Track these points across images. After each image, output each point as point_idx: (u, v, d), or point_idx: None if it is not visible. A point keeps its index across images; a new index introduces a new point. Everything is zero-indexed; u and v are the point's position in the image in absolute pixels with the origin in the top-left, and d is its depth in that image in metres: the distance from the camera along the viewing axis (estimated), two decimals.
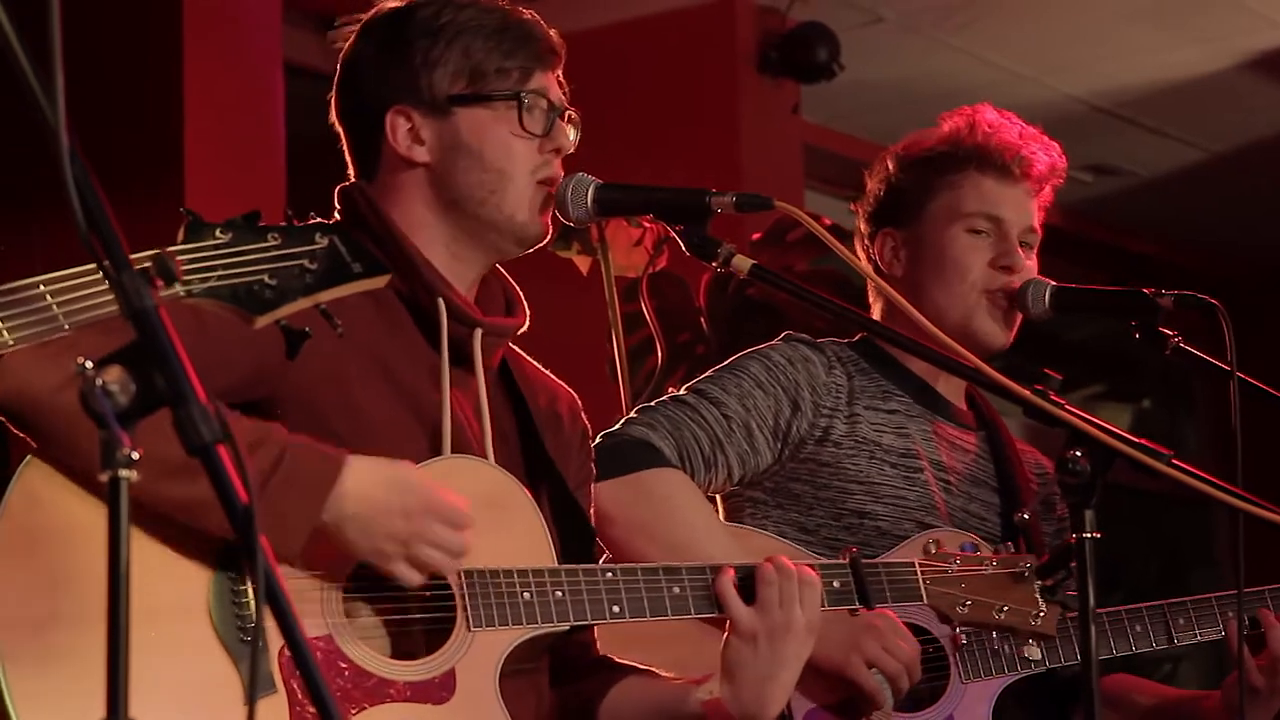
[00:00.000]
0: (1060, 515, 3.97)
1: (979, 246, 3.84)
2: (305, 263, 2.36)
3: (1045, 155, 3.89)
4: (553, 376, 3.34)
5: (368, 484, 2.79)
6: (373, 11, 3.18)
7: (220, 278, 2.29)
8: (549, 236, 3.16)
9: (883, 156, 3.97)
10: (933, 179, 3.88)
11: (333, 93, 3.20)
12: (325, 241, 2.38)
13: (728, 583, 3.10)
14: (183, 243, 2.29)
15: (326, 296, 2.38)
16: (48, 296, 2.18)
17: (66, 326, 2.18)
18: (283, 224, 2.37)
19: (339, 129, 3.21)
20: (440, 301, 3.03)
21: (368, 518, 2.79)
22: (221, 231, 2.31)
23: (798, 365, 3.75)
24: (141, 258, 2.21)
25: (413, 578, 2.84)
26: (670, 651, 3.31)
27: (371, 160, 3.14)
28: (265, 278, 2.32)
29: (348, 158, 3.20)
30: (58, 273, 2.20)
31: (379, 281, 2.43)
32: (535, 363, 3.32)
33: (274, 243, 2.34)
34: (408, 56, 3.09)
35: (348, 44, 3.19)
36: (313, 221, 3.09)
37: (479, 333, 3.07)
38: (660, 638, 3.31)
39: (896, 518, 3.72)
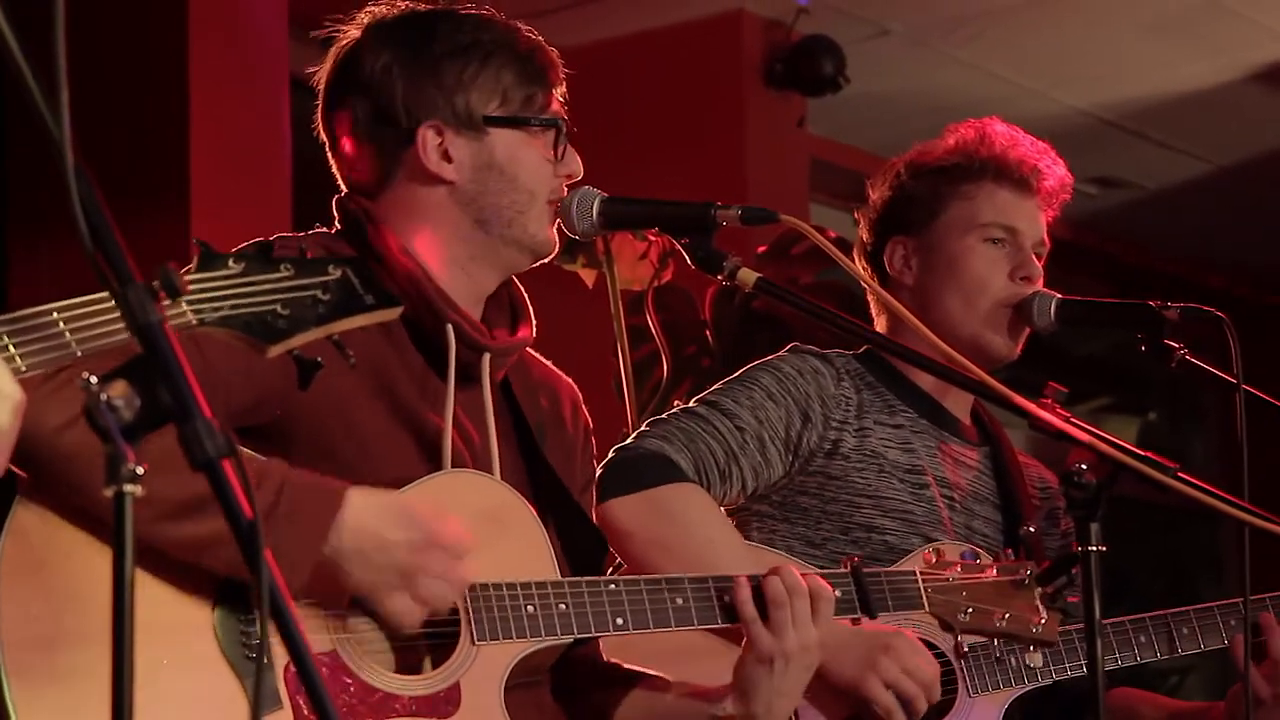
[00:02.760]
0: (1065, 529, 3.96)
1: (997, 258, 3.83)
2: (318, 293, 2.38)
3: (1057, 171, 3.90)
4: (552, 368, 3.33)
5: (368, 517, 2.78)
6: (374, 16, 3.12)
7: (233, 307, 2.31)
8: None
9: (891, 165, 3.96)
10: (946, 188, 3.87)
11: (326, 95, 3.12)
12: (338, 273, 2.40)
13: (748, 601, 3.08)
14: (195, 273, 2.31)
15: (339, 327, 2.41)
16: (61, 324, 2.19)
17: (79, 353, 2.19)
18: (294, 256, 2.38)
19: (328, 135, 3.13)
20: (450, 329, 3.02)
21: (369, 551, 2.78)
22: (234, 261, 2.33)
23: (807, 377, 3.74)
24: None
25: (410, 616, 2.82)
26: (687, 668, 3.29)
27: (389, 172, 3.08)
28: (278, 308, 2.34)
29: (337, 166, 3.14)
30: (71, 300, 2.20)
31: (392, 313, 2.46)
32: (535, 354, 3.30)
33: (286, 274, 2.36)
34: (440, 73, 3.06)
35: (353, 46, 3.10)
36: (317, 230, 3.11)
37: (487, 356, 3.07)
38: (677, 652, 3.31)
39: (904, 532, 3.71)
